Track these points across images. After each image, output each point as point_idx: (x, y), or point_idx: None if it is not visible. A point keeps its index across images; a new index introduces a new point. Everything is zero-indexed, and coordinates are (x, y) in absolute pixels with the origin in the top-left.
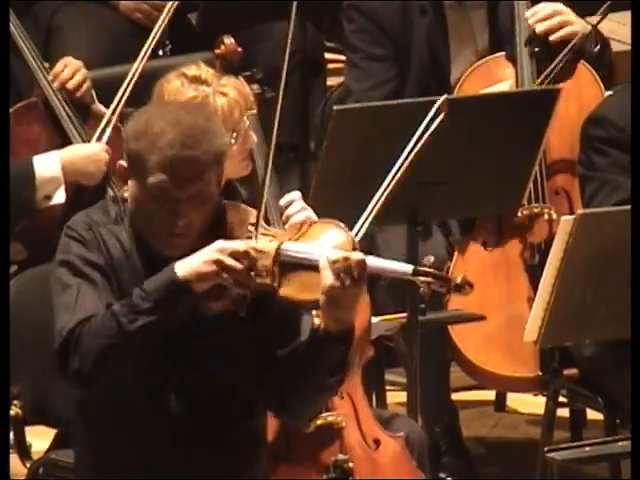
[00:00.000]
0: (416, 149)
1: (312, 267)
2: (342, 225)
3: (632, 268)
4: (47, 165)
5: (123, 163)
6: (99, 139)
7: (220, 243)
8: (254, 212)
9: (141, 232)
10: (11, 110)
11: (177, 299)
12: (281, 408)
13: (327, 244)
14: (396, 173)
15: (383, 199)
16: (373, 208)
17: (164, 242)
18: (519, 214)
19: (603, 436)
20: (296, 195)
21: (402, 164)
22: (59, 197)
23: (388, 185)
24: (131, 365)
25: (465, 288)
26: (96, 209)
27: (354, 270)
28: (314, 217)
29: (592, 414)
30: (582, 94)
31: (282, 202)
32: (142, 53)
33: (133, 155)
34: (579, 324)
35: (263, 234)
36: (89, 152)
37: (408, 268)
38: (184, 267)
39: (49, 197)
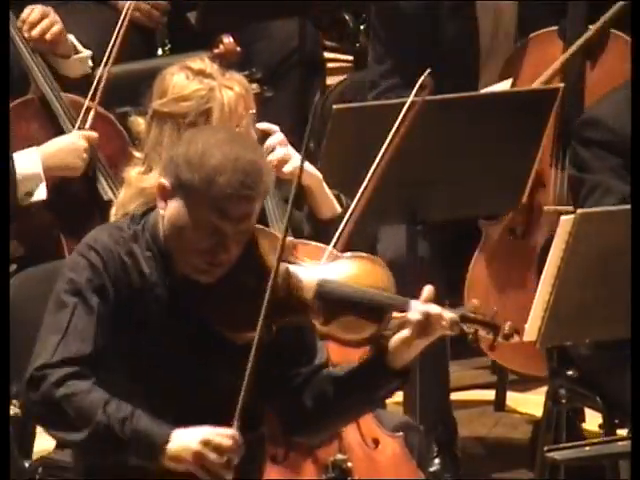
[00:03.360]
0: (401, 130)
1: (358, 308)
2: (377, 259)
3: (632, 268)
4: (27, 162)
5: (164, 182)
6: (80, 128)
7: (207, 434)
8: (279, 238)
9: (169, 251)
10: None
11: (143, 458)
12: (300, 428)
13: (366, 281)
14: (382, 157)
15: (373, 185)
16: (362, 192)
17: (199, 269)
18: (548, 209)
19: (602, 436)
20: (274, 128)
21: (388, 145)
22: (40, 194)
23: (375, 173)
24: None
25: (513, 337)
26: (117, 227)
27: (437, 323)
28: (292, 153)
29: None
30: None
31: (260, 126)
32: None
33: (185, 184)
34: (579, 323)
35: (295, 265)
36: (65, 143)
37: (455, 315)
38: (176, 440)
39: (30, 194)
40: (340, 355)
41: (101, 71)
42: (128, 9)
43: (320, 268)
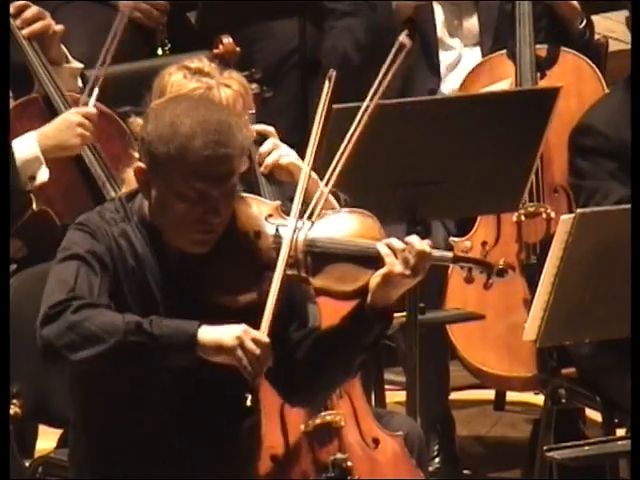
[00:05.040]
0: (381, 89)
1: (350, 258)
2: (368, 213)
3: (632, 267)
4: (24, 146)
5: (141, 165)
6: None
7: (245, 326)
8: (264, 202)
9: (159, 231)
10: (11, 106)
11: (180, 349)
12: (296, 392)
13: (357, 232)
14: (361, 118)
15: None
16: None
17: (193, 240)
18: (516, 214)
19: (602, 435)
20: (269, 129)
21: (370, 102)
22: (43, 175)
23: (354, 132)
24: (102, 365)
25: (507, 272)
26: (106, 209)
27: (422, 260)
28: (286, 154)
29: (591, 413)
30: (583, 90)
31: (256, 128)
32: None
33: (161, 158)
34: (578, 323)
35: (283, 225)
36: (59, 120)
37: (448, 255)
38: (208, 332)
39: (33, 177)
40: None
41: (96, 71)
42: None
43: (310, 224)
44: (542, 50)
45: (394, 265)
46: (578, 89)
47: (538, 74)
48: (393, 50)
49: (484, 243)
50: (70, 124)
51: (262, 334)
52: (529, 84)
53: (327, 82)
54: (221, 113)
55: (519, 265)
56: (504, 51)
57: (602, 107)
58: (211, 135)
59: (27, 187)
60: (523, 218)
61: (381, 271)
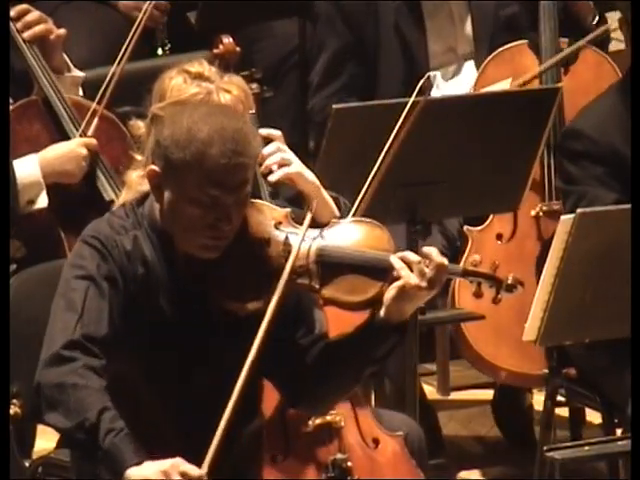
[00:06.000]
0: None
1: (360, 269)
2: (378, 223)
3: (632, 267)
4: (27, 169)
5: (155, 168)
6: (84, 133)
7: (177, 460)
8: (274, 209)
9: (169, 235)
10: (11, 108)
11: (108, 472)
12: (301, 398)
13: (367, 243)
14: (383, 160)
15: (372, 188)
16: (363, 196)
17: (203, 245)
18: (537, 209)
19: (602, 435)
20: (276, 133)
21: (388, 149)
22: (42, 201)
23: (377, 172)
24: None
25: (517, 287)
26: (116, 216)
27: (440, 272)
28: (290, 158)
29: (591, 413)
30: (603, 88)
31: (262, 132)
32: (123, 50)
33: (177, 163)
34: (578, 323)
35: (293, 233)
36: (65, 150)
37: (457, 268)
38: (137, 470)
39: (32, 202)
40: (339, 329)
41: (111, 73)
42: (145, 11)
43: (320, 234)
44: (563, 43)
45: (410, 277)
46: (598, 86)
47: (562, 69)
48: (415, 92)
49: (499, 236)
50: (77, 156)
51: (193, 468)
52: (553, 78)
53: (308, 212)
54: (238, 121)
55: (537, 261)
56: (525, 41)
57: (591, 111)
58: (228, 143)
59: (25, 211)
60: (541, 214)
61: (396, 284)
